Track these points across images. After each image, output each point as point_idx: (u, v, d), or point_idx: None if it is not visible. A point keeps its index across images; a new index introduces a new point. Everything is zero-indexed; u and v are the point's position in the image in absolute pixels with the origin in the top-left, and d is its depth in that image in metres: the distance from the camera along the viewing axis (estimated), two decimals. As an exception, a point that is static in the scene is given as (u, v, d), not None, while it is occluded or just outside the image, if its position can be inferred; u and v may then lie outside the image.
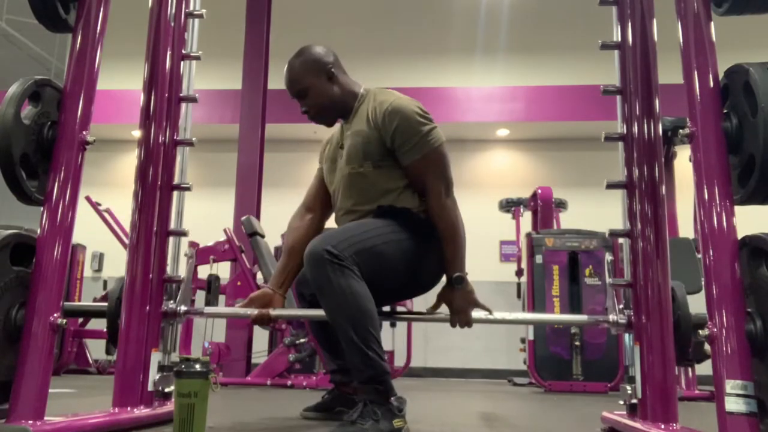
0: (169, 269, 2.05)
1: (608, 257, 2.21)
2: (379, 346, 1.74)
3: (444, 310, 1.99)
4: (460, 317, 1.94)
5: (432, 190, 1.92)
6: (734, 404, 1.34)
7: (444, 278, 1.98)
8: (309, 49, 2.06)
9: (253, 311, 2.01)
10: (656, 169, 1.91)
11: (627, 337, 1.99)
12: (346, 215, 2.03)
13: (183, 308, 2.04)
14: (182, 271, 2.09)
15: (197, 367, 1.48)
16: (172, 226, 2.08)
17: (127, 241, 2.03)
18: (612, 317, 1.98)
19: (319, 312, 1.87)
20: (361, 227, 1.87)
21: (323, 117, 2.08)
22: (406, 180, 1.95)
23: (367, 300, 1.75)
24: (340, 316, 1.74)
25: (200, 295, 4.84)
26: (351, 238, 1.79)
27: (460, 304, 1.93)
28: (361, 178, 1.96)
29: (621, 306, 1.99)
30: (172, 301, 2.04)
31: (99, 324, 5.60)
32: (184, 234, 2.09)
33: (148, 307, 1.95)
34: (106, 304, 2.09)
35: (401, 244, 1.89)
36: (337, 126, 2.14)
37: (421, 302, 2.22)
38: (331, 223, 2.14)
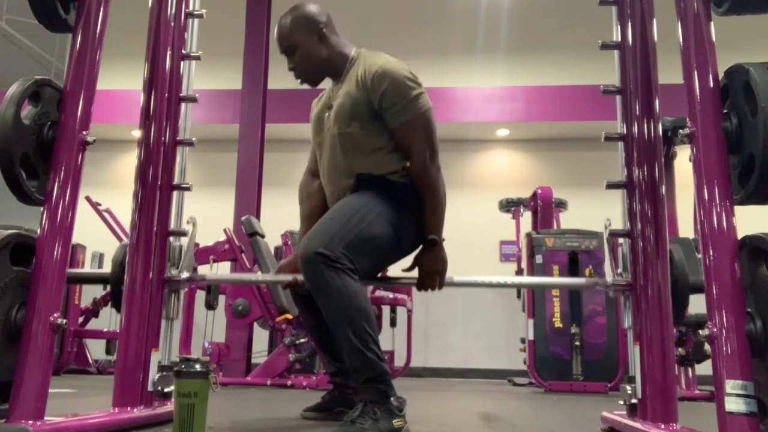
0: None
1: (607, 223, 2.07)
2: (377, 346, 1.74)
3: (414, 273, 1.99)
4: (425, 281, 1.95)
5: (416, 154, 1.93)
6: (734, 404, 1.34)
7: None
8: (302, 6, 2.06)
9: (287, 277, 2.04)
10: (656, 169, 1.91)
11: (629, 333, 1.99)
12: (333, 176, 2.02)
13: (185, 275, 2.04)
14: (184, 272, 2.09)
15: (197, 367, 1.48)
16: (172, 226, 2.08)
17: (127, 241, 2.02)
18: (609, 279, 1.98)
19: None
20: (343, 215, 1.85)
21: (309, 76, 2.09)
22: (393, 143, 1.96)
23: (364, 299, 1.76)
24: (337, 316, 1.74)
25: (200, 295, 4.84)
26: (338, 232, 1.78)
27: (428, 268, 1.95)
28: (349, 138, 1.96)
29: (619, 270, 1.97)
30: (174, 267, 2.03)
31: (99, 324, 5.63)
32: (184, 234, 2.09)
33: (148, 307, 1.95)
34: (108, 271, 2.07)
35: (382, 216, 1.88)
36: (329, 85, 2.14)
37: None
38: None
